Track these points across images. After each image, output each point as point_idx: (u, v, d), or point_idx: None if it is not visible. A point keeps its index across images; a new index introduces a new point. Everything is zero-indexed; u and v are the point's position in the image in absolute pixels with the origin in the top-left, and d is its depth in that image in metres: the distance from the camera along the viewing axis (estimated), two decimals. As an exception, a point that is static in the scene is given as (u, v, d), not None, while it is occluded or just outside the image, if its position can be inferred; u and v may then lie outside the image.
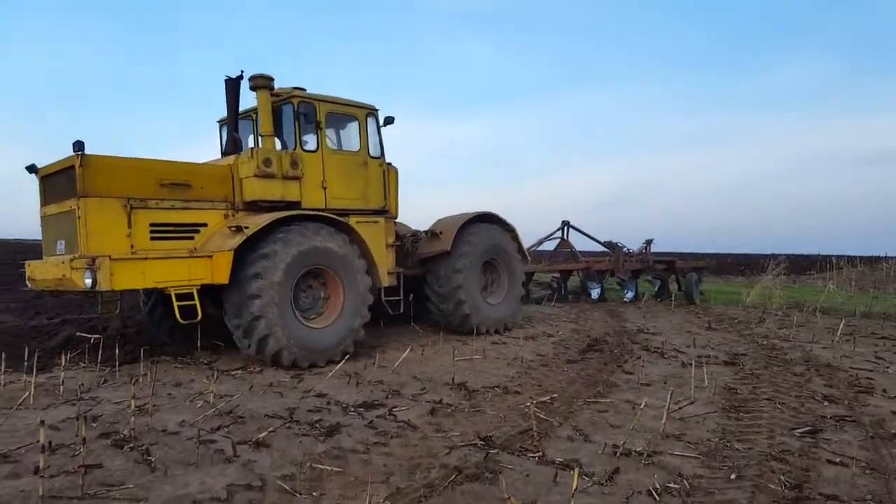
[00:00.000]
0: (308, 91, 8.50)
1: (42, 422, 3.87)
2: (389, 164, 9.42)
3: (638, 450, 4.71)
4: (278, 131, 8.40)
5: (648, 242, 17.14)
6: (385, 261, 9.08)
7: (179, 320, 7.00)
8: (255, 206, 7.98)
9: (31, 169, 7.62)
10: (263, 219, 7.49)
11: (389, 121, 9.23)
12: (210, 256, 7.27)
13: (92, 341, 8.03)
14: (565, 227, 16.94)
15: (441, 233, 9.96)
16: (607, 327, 11.78)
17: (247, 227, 7.30)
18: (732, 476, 4.24)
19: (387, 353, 8.56)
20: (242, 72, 8.14)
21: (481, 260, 10.33)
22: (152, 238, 7.20)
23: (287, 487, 3.98)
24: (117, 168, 7.07)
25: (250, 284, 7.21)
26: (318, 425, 5.27)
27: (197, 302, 7.10)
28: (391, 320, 10.54)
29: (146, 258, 6.93)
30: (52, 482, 3.97)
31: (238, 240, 7.21)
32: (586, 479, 4.17)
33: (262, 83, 7.97)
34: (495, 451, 4.71)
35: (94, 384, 6.72)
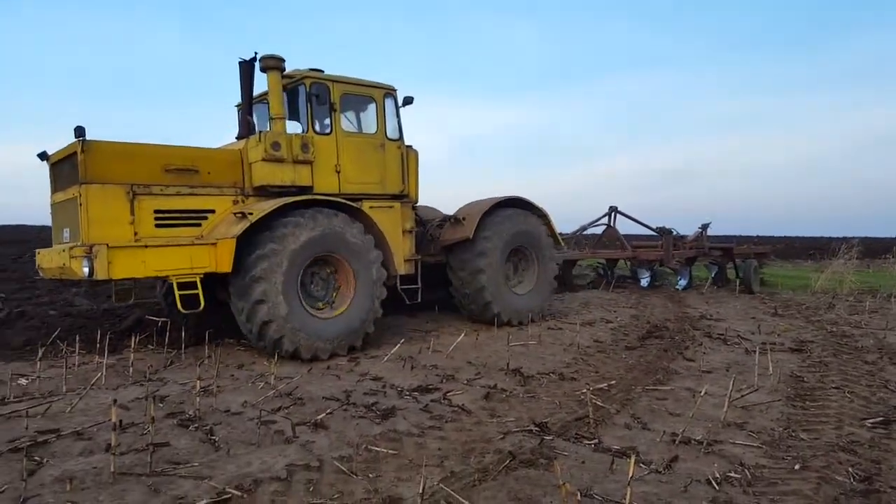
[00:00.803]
0: (326, 72, 8.18)
1: (114, 401, 4.07)
2: (410, 146, 9.04)
3: (697, 438, 4.60)
4: (294, 114, 8.17)
5: (704, 227, 16.34)
6: (401, 248, 8.71)
7: (180, 310, 6.78)
8: (264, 192, 7.72)
9: (43, 156, 7.53)
10: (269, 205, 7.22)
11: (408, 101, 8.85)
12: (214, 244, 7.03)
13: (160, 324, 8.34)
14: (612, 213, 16.17)
15: (464, 218, 9.45)
16: (668, 313, 11.52)
17: (251, 213, 7.06)
18: (797, 466, 4.09)
19: (441, 338, 8.61)
20: (256, 53, 7.90)
21: (508, 247, 9.75)
22: (157, 225, 7.00)
23: (344, 468, 4.05)
24: (120, 154, 6.88)
25: (254, 268, 6.96)
26: (374, 408, 5.35)
27: (200, 291, 6.89)
28: (446, 305, 10.56)
29: (146, 246, 6.73)
30: (123, 459, 4.16)
31: (242, 226, 6.96)
32: (643, 466, 4.10)
33: (272, 64, 7.73)
34: (550, 437, 4.68)
35: (162, 366, 7.02)
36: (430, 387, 6.11)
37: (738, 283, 15.35)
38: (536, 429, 4.85)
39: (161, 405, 5.46)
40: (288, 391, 5.88)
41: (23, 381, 6.22)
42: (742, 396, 5.59)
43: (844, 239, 24.79)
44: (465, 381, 6.34)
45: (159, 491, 3.74)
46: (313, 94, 7.87)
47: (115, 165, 6.79)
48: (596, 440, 4.61)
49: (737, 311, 11.70)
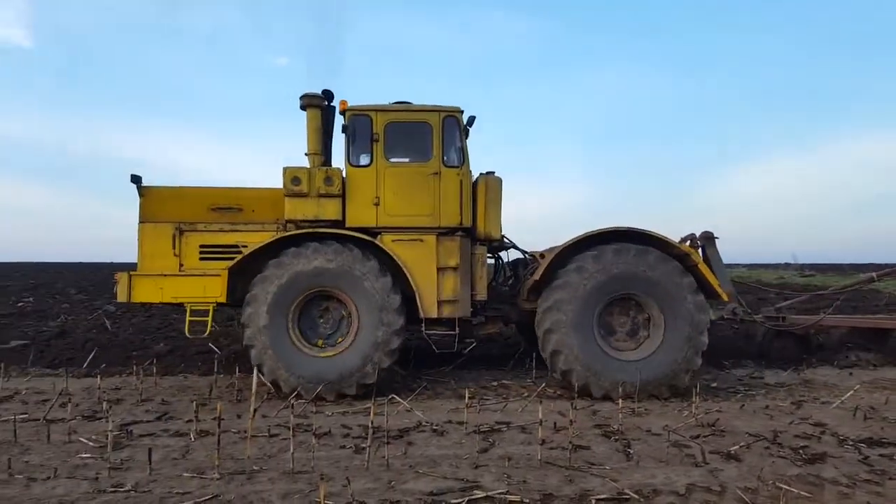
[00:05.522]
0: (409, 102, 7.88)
1: (539, 401, 4.87)
2: (489, 172, 7.93)
3: None
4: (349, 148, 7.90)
5: None
6: (434, 287, 7.53)
7: (187, 333, 7.35)
8: (298, 227, 7.68)
9: (135, 179, 7.82)
10: (262, 239, 7.40)
11: (471, 122, 7.80)
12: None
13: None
14: None
15: (542, 257, 7.60)
16: None
17: (245, 247, 7.37)
18: None
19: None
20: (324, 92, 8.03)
21: (601, 296, 7.24)
22: (202, 258, 7.55)
23: (746, 498, 3.96)
24: (170, 196, 7.69)
25: (243, 311, 7.19)
26: (801, 451, 4.95)
27: (210, 318, 7.34)
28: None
29: (164, 275, 7.37)
30: (550, 452, 4.94)
31: (237, 259, 7.28)
32: None
33: (305, 102, 7.88)
34: None
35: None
36: (884, 440, 5.25)
37: None
38: None
39: (593, 417, 6.14)
40: (710, 422, 5.85)
41: (493, 382, 7.97)
42: None
43: None
44: (938, 442, 5.21)
45: (572, 481, 4.36)
46: (349, 126, 7.70)
47: (165, 207, 7.65)
48: None
49: None
